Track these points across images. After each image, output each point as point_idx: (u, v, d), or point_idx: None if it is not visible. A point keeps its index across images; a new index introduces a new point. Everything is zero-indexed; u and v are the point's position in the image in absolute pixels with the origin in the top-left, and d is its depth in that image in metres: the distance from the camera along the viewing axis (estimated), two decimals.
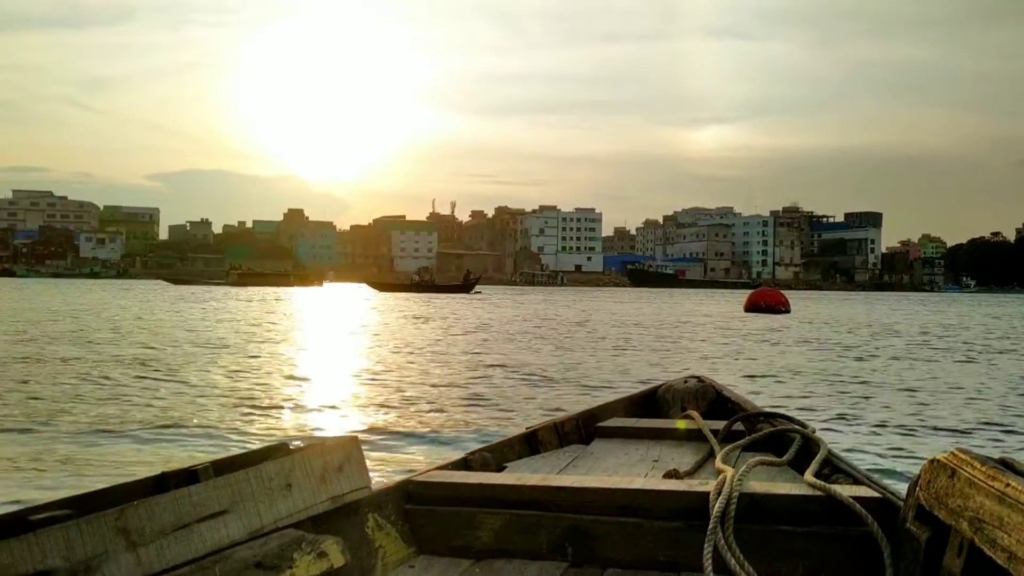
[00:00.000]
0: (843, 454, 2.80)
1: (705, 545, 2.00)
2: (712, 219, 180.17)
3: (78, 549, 1.53)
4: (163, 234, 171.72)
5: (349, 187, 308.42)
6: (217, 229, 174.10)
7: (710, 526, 2.05)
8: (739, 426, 3.31)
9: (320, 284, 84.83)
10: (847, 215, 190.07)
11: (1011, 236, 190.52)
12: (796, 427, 3.07)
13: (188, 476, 1.82)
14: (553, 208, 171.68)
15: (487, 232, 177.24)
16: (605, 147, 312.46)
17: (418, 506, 2.40)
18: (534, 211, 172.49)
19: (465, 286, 70.15)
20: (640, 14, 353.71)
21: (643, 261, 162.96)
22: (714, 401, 3.80)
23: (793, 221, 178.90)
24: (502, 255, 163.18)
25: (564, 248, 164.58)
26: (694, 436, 3.29)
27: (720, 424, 3.32)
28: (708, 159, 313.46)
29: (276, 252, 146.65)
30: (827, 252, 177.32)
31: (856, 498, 2.16)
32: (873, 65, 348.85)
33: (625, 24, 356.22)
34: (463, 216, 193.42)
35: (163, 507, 1.71)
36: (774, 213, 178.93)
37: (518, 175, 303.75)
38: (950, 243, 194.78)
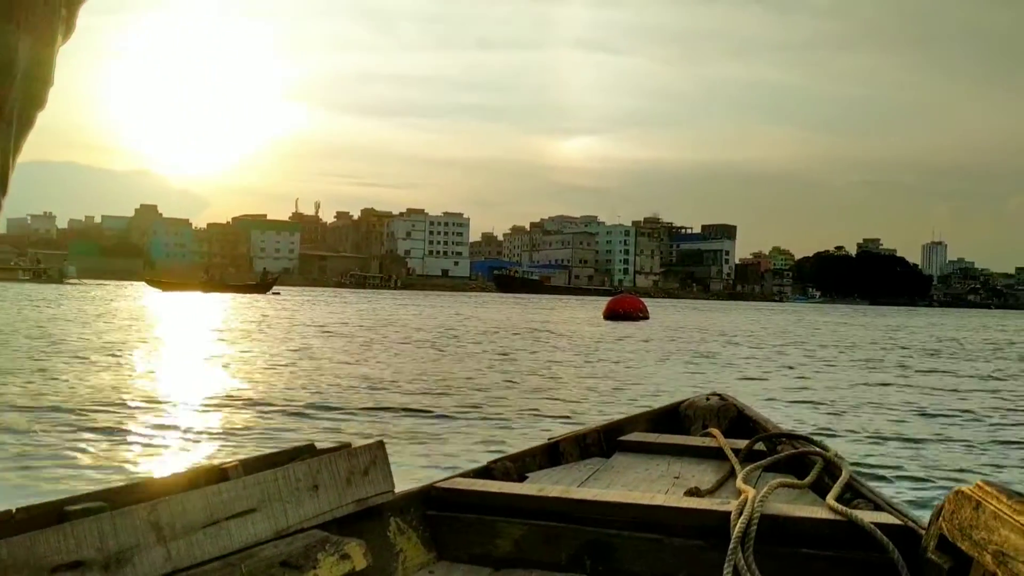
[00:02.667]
0: (865, 480, 2.78)
1: (725, 565, 2.01)
2: (577, 227, 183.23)
3: (111, 541, 1.56)
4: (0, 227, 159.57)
5: (210, 184, 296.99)
6: (63, 224, 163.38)
7: (731, 546, 2.06)
8: (761, 446, 3.26)
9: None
10: (704, 227, 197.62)
11: (853, 250, 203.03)
12: (818, 449, 3.03)
13: (219, 473, 1.87)
14: (421, 212, 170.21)
15: (352, 234, 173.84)
16: (475, 152, 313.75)
17: (440, 512, 2.42)
18: (401, 214, 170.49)
19: (261, 286, 67.66)
20: (513, 23, 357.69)
21: (510, 267, 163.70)
22: (735, 419, 3.76)
23: (653, 231, 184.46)
24: (367, 258, 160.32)
25: (431, 252, 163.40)
26: (715, 454, 3.25)
27: (741, 443, 3.26)
28: (574, 168, 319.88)
29: (126, 249, 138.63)
30: (685, 262, 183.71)
31: (878, 524, 2.15)
32: (733, 84, 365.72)
33: (498, 31, 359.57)
34: (328, 217, 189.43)
35: (194, 503, 1.74)
36: (636, 223, 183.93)
37: (386, 177, 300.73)
38: (798, 256, 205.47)
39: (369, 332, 22.52)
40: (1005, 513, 1.72)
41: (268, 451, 2.13)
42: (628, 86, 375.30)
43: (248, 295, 59.60)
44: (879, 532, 2.11)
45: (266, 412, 8.33)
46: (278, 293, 65.46)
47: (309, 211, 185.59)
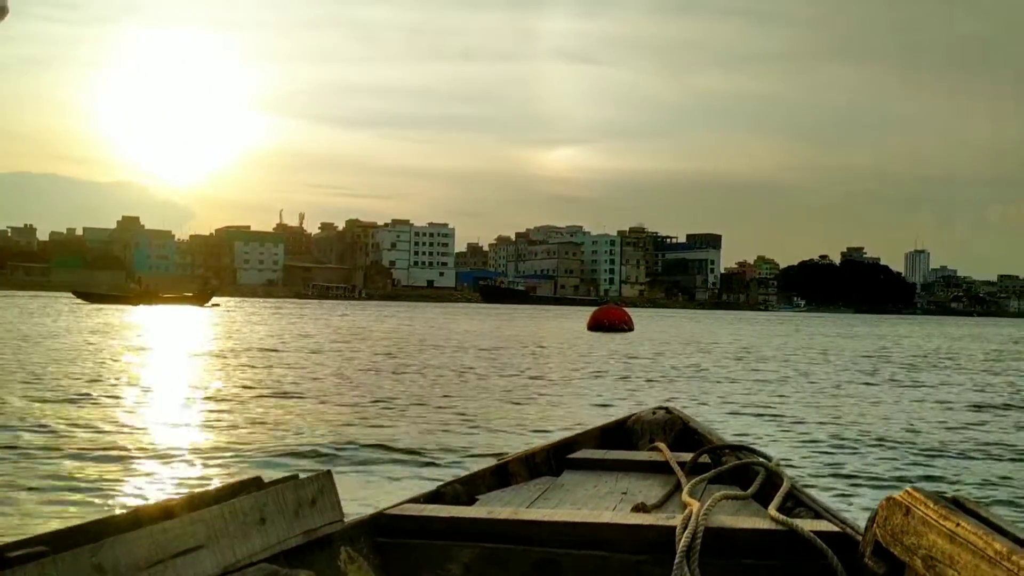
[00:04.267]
0: (805, 487, 2.83)
1: None
2: (562, 237, 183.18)
3: None
4: None
5: (193, 196, 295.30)
6: (44, 236, 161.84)
7: (676, 560, 2.09)
8: (706, 458, 3.30)
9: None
10: (689, 236, 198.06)
11: (837, 259, 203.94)
12: (761, 460, 3.11)
13: (163, 511, 1.84)
14: (406, 222, 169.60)
15: (337, 245, 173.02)
16: (460, 163, 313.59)
17: (390, 539, 2.42)
18: (386, 225, 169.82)
19: (200, 296, 63.48)
20: (497, 34, 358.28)
21: (495, 277, 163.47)
22: (681, 432, 3.78)
23: (639, 241, 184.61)
24: (352, 268, 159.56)
25: (416, 263, 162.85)
26: (662, 468, 3.28)
27: (687, 456, 3.31)
28: (560, 179, 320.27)
29: (108, 262, 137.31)
30: (670, 271, 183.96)
31: (817, 532, 2.21)
32: (716, 94, 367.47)
33: (482, 43, 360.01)
34: (312, 228, 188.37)
35: (139, 542, 1.71)
36: (621, 233, 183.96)
37: (371, 188, 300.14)
38: (783, 264, 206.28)
39: (299, 352, 21.91)
40: (932, 518, 1.77)
41: (213, 486, 2.08)
42: (612, 97, 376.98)
43: (183, 307, 55.84)
44: (818, 540, 2.16)
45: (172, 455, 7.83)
46: (218, 304, 61.93)
47: (294, 222, 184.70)
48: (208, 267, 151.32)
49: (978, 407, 12.56)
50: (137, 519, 1.78)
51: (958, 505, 1.79)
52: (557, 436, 4.12)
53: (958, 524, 1.68)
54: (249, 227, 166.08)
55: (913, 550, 1.82)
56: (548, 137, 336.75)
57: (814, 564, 2.15)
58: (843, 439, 8.88)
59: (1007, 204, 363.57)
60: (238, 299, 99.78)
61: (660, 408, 4.06)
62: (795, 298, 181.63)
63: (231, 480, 2.11)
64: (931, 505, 1.81)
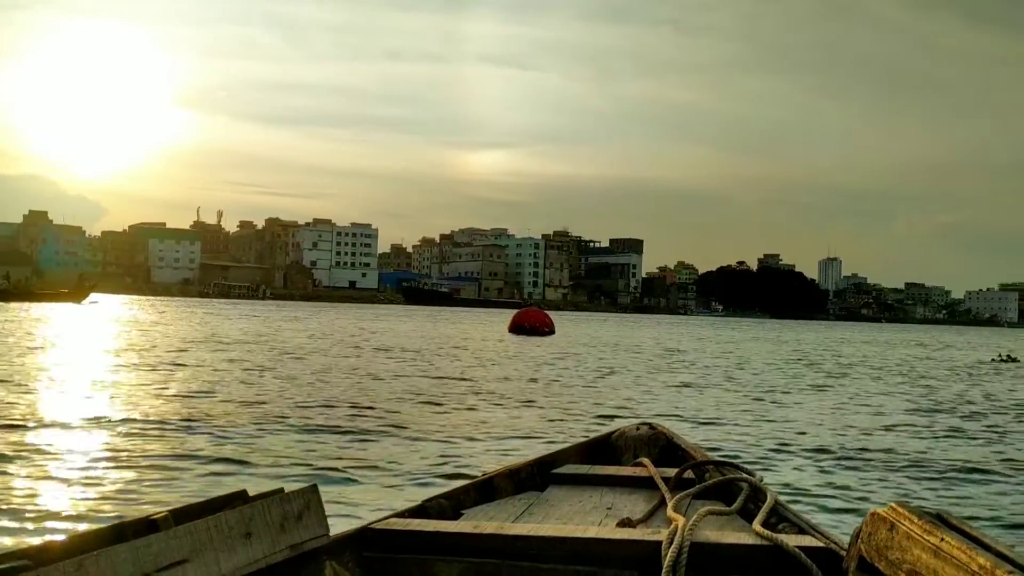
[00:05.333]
0: (789, 504, 2.86)
1: None
2: (487, 240, 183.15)
3: None
4: None
5: (106, 191, 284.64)
6: None
7: (663, 575, 2.12)
8: (690, 474, 3.32)
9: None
10: (612, 241, 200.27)
11: (754, 265, 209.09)
12: (745, 476, 3.13)
13: (147, 525, 1.82)
14: (328, 222, 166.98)
15: (256, 244, 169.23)
16: (384, 164, 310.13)
17: (376, 553, 2.42)
18: (307, 224, 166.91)
19: (76, 293, 59.57)
20: (424, 35, 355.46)
21: (418, 279, 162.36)
22: (665, 447, 3.81)
23: (563, 245, 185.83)
24: (272, 268, 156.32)
25: (338, 263, 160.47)
26: (646, 483, 3.30)
27: (671, 471, 3.33)
28: (485, 182, 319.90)
29: (14, 258, 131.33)
30: (593, 275, 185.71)
31: (802, 548, 2.24)
32: (643, 102, 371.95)
33: (409, 44, 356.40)
34: (231, 227, 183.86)
35: (121, 557, 1.69)
36: (545, 236, 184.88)
37: (293, 187, 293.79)
38: (702, 270, 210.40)
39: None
40: (917, 534, 1.79)
41: (198, 500, 2.07)
42: (540, 102, 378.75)
43: (59, 304, 52.31)
44: (803, 555, 2.19)
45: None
46: (96, 302, 58.44)
47: (212, 220, 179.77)
48: (121, 265, 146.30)
49: (907, 411, 12.82)
50: (121, 533, 1.75)
51: (942, 520, 1.80)
52: (540, 451, 4.08)
53: (942, 539, 1.70)
54: (164, 224, 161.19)
55: (898, 565, 1.84)
56: (474, 140, 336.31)
57: None
58: (774, 440, 8.86)
59: (913, 216, 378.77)
60: (138, 297, 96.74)
61: (644, 424, 4.10)
62: (713, 303, 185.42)
63: (216, 494, 2.09)
64: (915, 520, 1.82)
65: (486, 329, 42.92)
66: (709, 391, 14.89)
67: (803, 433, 9.90)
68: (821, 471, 7.57)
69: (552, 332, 37.62)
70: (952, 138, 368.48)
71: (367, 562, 2.38)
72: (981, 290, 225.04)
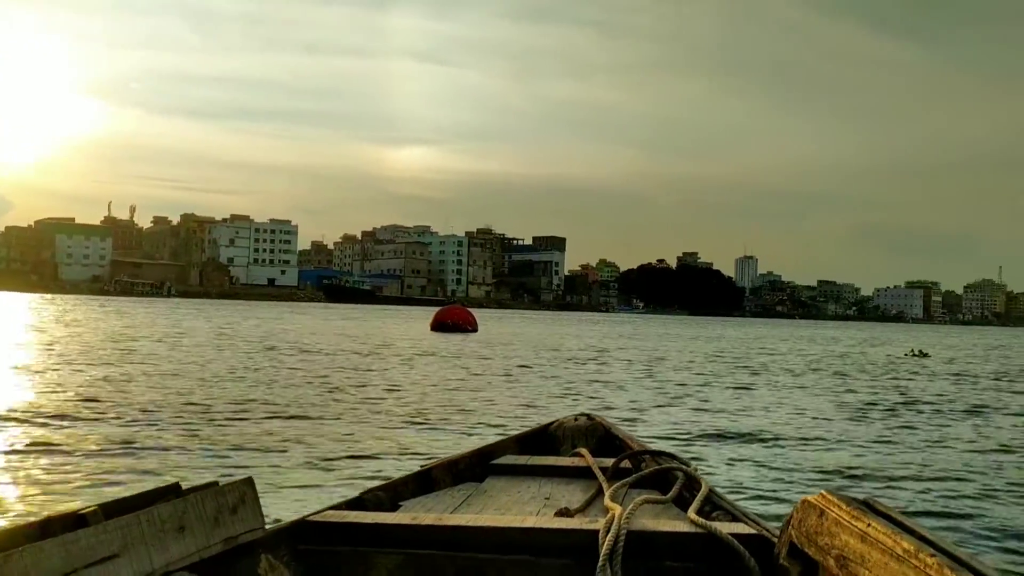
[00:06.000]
0: (723, 492, 2.92)
1: None
2: (410, 237, 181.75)
3: None
4: None
5: (11, 185, 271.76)
6: None
7: (599, 564, 2.13)
8: (627, 463, 3.36)
9: None
10: (535, 239, 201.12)
11: (674, 263, 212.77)
12: (680, 465, 3.17)
13: (75, 520, 1.77)
14: (246, 218, 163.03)
15: (171, 240, 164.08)
16: (303, 159, 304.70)
17: (312, 546, 2.40)
18: (224, 220, 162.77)
19: None
20: (343, 29, 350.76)
21: (340, 276, 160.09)
22: (603, 438, 3.85)
23: (486, 242, 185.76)
24: (187, 265, 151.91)
25: (257, 260, 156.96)
26: (584, 473, 3.32)
27: (609, 461, 3.36)
28: (407, 178, 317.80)
29: None
30: (517, 273, 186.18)
31: (735, 535, 2.28)
32: (566, 102, 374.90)
33: (327, 37, 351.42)
34: (145, 222, 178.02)
35: (49, 553, 1.65)
36: (469, 234, 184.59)
37: (209, 183, 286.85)
38: (623, 268, 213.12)
39: None
40: (845, 519, 1.84)
41: (130, 494, 2.02)
42: (462, 99, 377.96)
43: None
44: (736, 542, 2.23)
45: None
46: None
47: (124, 216, 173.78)
48: (27, 262, 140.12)
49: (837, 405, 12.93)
50: (48, 527, 1.71)
51: (869, 507, 1.85)
52: (481, 442, 4.05)
53: (869, 524, 1.75)
54: (73, 219, 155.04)
55: (827, 550, 1.88)
56: (396, 136, 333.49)
57: (732, 565, 2.21)
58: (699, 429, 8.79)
59: (826, 216, 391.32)
60: (39, 295, 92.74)
61: (582, 415, 4.12)
62: (635, 300, 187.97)
63: (148, 488, 2.04)
64: (844, 507, 1.87)
65: (409, 326, 42.38)
66: (634, 387, 14.84)
67: (734, 424, 9.86)
68: (755, 463, 7.52)
69: (475, 330, 37.36)
70: (863, 141, 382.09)
71: (303, 555, 2.36)
72: (889, 287, 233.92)
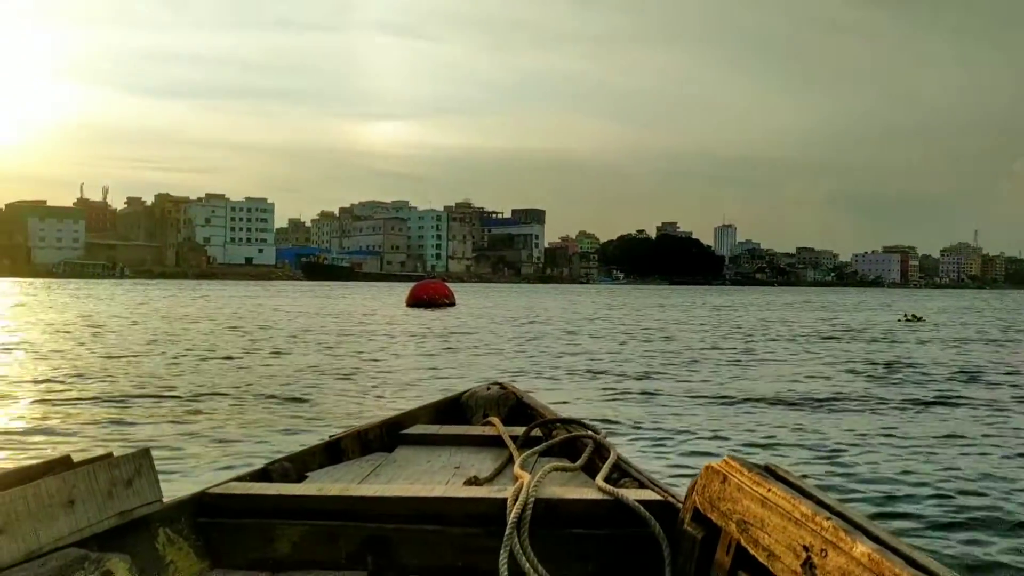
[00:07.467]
0: (630, 458, 2.94)
1: (501, 550, 2.09)
2: (388, 212, 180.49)
3: None
4: None
5: None
6: None
7: (506, 532, 2.14)
8: (538, 432, 3.36)
9: None
10: (514, 212, 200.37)
11: (653, 233, 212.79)
12: (590, 433, 3.20)
13: None
14: (221, 197, 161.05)
15: (145, 221, 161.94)
16: (278, 136, 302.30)
17: (213, 519, 2.35)
18: (199, 199, 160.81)
19: None
20: (315, 3, 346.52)
21: (318, 253, 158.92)
22: (515, 407, 3.84)
23: (465, 216, 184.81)
24: (163, 246, 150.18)
25: (233, 239, 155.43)
26: (495, 442, 3.34)
27: (520, 430, 3.36)
28: (383, 154, 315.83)
29: None
30: (496, 246, 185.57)
31: (641, 501, 2.31)
32: (541, 74, 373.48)
33: (298, 12, 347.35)
34: (118, 203, 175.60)
35: None
36: (448, 208, 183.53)
37: (183, 162, 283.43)
38: (603, 239, 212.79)
39: None
40: (747, 485, 1.87)
41: (16, 466, 1.95)
42: (437, 72, 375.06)
43: None
44: (642, 508, 2.26)
45: None
46: None
47: (96, 197, 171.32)
48: None
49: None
50: None
51: (770, 472, 1.88)
52: (390, 413, 3.98)
53: (769, 490, 1.78)
54: (45, 202, 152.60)
55: (728, 515, 1.91)
56: (371, 111, 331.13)
57: (638, 531, 2.24)
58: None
59: (803, 183, 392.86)
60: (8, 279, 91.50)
61: (495, 384, 4.09)
62: (615, 271, 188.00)
63: (37, 461, 1.96)
64: (745, 473, 1.90)
65: (383, 302, 41.99)
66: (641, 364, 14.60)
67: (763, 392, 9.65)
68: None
69: (452, 304, 37.01)
70: (838, 108, 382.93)
71: (203, 528, 2.31)
72: (866, 253, 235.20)
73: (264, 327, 21.85)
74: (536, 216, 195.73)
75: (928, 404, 9.56)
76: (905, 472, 6.00)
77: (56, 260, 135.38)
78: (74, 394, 9.15)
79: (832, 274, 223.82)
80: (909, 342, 20.32)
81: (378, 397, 9.35)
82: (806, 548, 1.60)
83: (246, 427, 7.38)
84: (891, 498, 5.27)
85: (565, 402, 8.79)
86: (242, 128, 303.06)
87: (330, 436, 3.35)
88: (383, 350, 15.47)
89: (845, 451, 6.67)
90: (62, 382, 10.15)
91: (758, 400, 9.55)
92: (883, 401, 9.70)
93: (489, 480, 2.77)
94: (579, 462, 2.89)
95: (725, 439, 7.11)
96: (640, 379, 11.52)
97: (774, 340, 20.30)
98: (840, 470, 6.04)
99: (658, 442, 6.90)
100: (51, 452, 6.21)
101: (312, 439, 4.40)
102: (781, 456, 6.41)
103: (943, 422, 8.31)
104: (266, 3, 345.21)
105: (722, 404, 9.23)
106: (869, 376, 12.51)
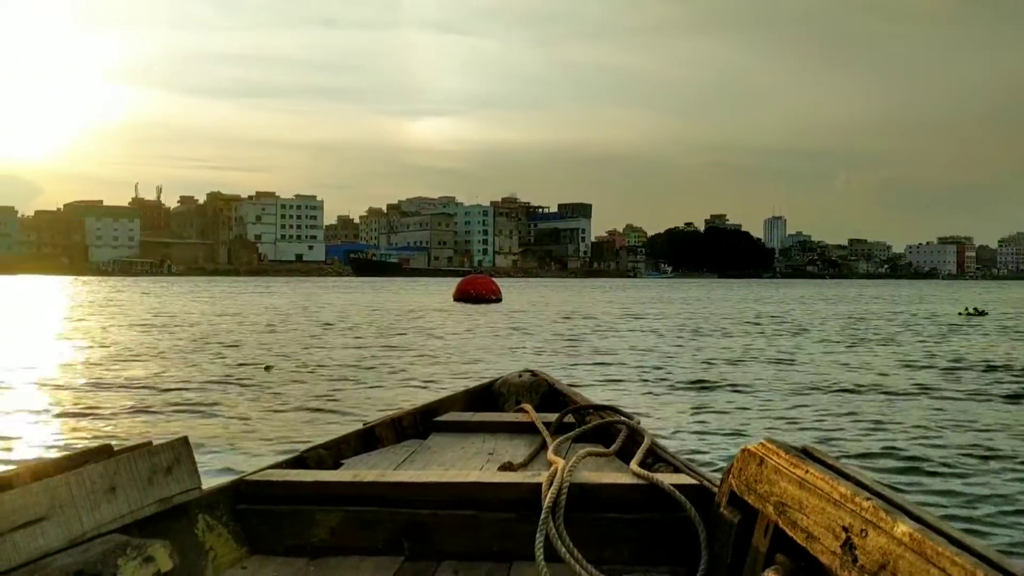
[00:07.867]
0: (664, 443, 2.95)
1: (537, 535, 2.10)
2: (435, 208, 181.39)
3: None
4: None
5: (40, 170, 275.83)
6: None
7: (542, 516, 2.15)
8: (571, 418, 3.36)
9: None
10: (560, 206, 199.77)
11: (701, 226, 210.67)
12: (623, 419, 3.20)
13: (1, 482, 1.73)
14: (271, 195, 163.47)
15: (198, 219, 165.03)
16: (326, 134, 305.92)
17: (251, 505, 2.38)
18: (250, 197, 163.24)
19: None
20: (358, 2, 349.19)
21: (367, 250, 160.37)
22: (547, 394, 3.85)
23: (511, 211, 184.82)
24: (215, 244, 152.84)
25: (284, 236, 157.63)
26: (528, 429, 3.34)
27: (552, 416, 3.37)
28: (429, 150, 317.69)
29: None
30: (543, 241, 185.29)
31: (676, 486, 2.32)
32: (585, 66, 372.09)
33: (345, 10, 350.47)
34: (171, 202, 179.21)
35: None
36: (494, 203, 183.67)
37: (233, 160, 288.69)
38: (650, 233, 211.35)
39: None
40: (784, 467, 1.87)
41: (58, 455, 1.99)
42: (481, 68, 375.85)
43: None
44: (677, 493, 2.28)
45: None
46: None
47: (151, 196, 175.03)
48: (57, 245, 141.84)
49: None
50: None
51: (807, 454, 1.87)
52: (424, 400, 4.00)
53: (807, 471, 1.78)
54: (101, 202, 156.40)
55: (766, 497, 1.91)
56: (417, 108, 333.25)
57: (674, 516, 2.26)
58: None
59: (854, 173, 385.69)
60: (66, 277, 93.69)
61: (526, 371, 4.08)
62: (663, 265, 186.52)
63: (79, 449, 2.00)
64: (783, 455, 1.90)
65: (431, 298, 42.16)
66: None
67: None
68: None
69: (499, 299, 37.01)
70: (892, 97, 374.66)
71: (242, 514, 2.33)
72: (921, 244, 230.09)
73: (341, 318, 22.07)
74: (582, 210, 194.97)
75: (993, 398, 9.27)
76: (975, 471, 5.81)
77: (112, 258, 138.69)
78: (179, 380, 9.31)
79: (885, 266, 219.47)
80: (971, 334, 19.81)
81: (426, 382, 9.40)
82: (846, 529, 1.59)
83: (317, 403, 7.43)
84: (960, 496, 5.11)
85: (607, 389, 8.70)
86: (290, 126, 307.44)
87: (364, 423, 3.39)
88: (431, 340, 15.51)
89: (929, 460, 6.48)
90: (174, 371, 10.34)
91: (844, 390, 9.42)
92: (949, 397, 9.43)
93: (523, 466, 2.78)
94: (613, 447, 2.90)
95: (784, 430, 6.97)
96: (687, 371, 11.37)
97: (825, 335, 19.92)
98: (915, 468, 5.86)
99: (698, 433, 6.84)
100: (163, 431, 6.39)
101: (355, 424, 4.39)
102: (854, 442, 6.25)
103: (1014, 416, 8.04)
104: (312, 3, 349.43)
105: (802, 393, 9.18)
106: (931, 369, 12.20)
